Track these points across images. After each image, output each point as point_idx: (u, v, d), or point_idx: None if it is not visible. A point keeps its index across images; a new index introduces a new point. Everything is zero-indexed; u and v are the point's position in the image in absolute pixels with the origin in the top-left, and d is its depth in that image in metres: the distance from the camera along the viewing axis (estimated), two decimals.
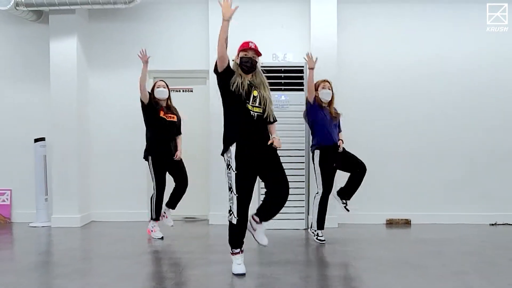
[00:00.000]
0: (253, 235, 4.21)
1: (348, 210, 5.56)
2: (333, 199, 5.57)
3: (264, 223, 4.23)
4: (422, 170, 6.60)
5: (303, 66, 6.21)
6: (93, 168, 6.78)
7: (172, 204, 5.76)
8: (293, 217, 6.16)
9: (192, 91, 6.92)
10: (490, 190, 6.56)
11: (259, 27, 6.56)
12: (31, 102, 6.77)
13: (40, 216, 6.56)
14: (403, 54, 6.61)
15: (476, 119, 6.61)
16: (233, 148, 4.00)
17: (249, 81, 4.12)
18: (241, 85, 4.01)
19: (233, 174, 3.98)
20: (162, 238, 5.59)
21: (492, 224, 6.47)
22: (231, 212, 4.02)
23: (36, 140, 6.60)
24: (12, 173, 6.78)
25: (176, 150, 5.67)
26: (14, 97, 6.79)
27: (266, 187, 4.20)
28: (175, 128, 5.69)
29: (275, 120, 4.27)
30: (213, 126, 6.45)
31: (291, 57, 6.32)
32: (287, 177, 4.13)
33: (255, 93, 4.08)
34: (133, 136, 6.60)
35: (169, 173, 5.72)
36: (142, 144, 6.03)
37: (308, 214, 6.18)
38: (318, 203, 5.40)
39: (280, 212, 4.17)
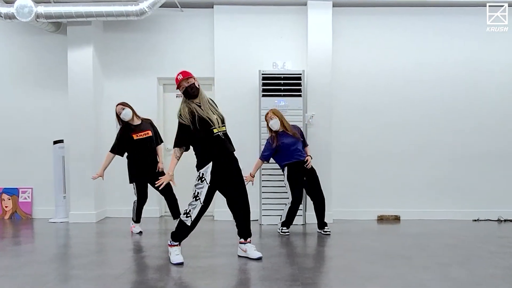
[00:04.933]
0: (247, 257, 4.41)
1: (329, 233, 5.60)
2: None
3: (250, 240, 4.48)
4: (410, 170, 6.62)
5: (300, 74, 6.27)
6: (107, 168, 6.79)
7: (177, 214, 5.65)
8: None
9: None
10: (471, 189, 6.58)
11: (260, 37, 6.63)
12: (50, 106, 6.81)
13: (59, 213, 6.60)
14: (391, 61, 6.63)
15: (457, 123, 6.62)
16: (210, 165, 4.23)
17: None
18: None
19: (205, 187, 4.19)
20: (140, 232, 5.71)
21: (475, 220, 6.49)
22: (188, 215, 4.22)
23: (55, 142, 6.64)
24: (33, 173, 6.83)
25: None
26: (35, 102, 6.83)
27: (228, 200, 4.50)
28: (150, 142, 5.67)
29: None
30: None
31: (290, 65, 6.36)
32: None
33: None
34: None
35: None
36: None
37: (305, 211, 6.23)
38: (287, 210, 5.57)
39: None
